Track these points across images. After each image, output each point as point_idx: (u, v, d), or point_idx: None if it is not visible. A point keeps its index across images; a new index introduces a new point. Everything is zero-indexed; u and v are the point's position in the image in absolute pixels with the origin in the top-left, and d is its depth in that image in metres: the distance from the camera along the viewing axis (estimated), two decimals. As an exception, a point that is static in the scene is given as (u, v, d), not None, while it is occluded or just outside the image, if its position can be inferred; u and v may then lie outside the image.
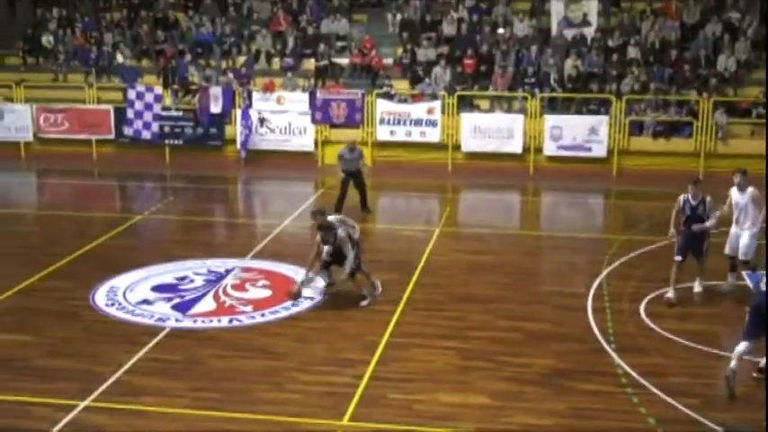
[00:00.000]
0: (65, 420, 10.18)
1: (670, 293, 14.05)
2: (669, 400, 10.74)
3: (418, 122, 25.01)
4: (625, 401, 10.81)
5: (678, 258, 14.16)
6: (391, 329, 12.92)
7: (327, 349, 12.25)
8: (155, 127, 25.79)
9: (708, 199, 14.06)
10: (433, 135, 25.01)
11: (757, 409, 10.26)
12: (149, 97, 25.81)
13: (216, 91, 25.73)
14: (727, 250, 14.62)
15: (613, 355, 12.03)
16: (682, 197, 14.16)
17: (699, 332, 12.73)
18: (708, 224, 14.03)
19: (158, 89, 26.19)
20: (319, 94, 25.48)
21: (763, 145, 23.82)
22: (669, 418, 10.35)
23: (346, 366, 11.63)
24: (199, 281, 15.05)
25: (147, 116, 25.80)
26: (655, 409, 10.54)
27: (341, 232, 13.77)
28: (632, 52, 26.29)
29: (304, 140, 25.60)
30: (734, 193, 14.50)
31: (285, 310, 13.71)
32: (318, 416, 10.30)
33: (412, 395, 10.81)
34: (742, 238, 14.40)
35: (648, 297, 14.16)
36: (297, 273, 15.27)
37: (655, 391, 10.98)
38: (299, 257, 16.22)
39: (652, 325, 13.15)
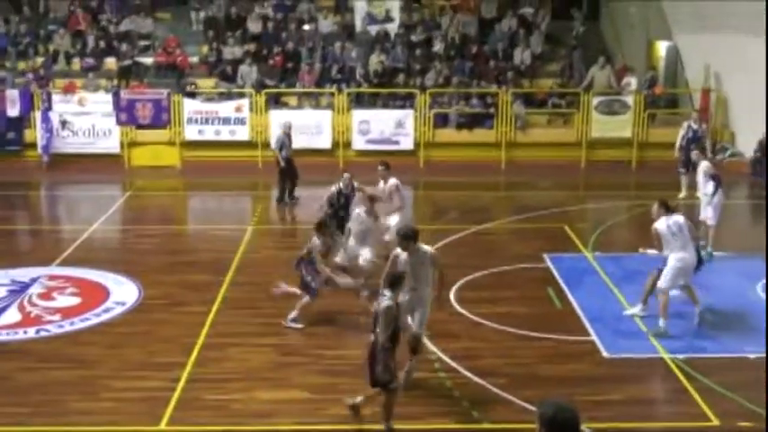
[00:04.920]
0: None
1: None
2: (481, 381, 11.15)
3: (227, 121, 24.81)
4: (439, 386, 11.16)
5: None
6: (207, 330, 12.82)
7: (142, 354, 12.03)
8: (-53, 133, 24.46)
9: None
10: (243, 133, 24.88)
11: (558, 385, 10.82)
12: (-61, 101, 24.47)
13: (12, 93, 24.64)
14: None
15: (426, 341, 12.37)
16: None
17: (505, 315, 13.27)
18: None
19: (-51, 93, 24.85)
20: (123, 95, 24.84)
21: (558, 133, 25.12)
22: (482, 399, 10.75)
23: (162, 370, 11.46)
24: (2, 291, 14.43)
25: (-62, 121, 24.45)
26: (467, 392, 10.93)
27: None
28: (435, 46, 27.03)
29: (109, 142, 24.89)
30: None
31: (96, 316, 13.36)
32: (134, 422, 10.12)
33: (229, 395, 10.78)
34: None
35: (458, 284, 14.61)
36: (106, 278, 14.94)
37: (466, 374, 11.38)
38: (108, 262, 15.89)
39: (462, 310, 13.61)
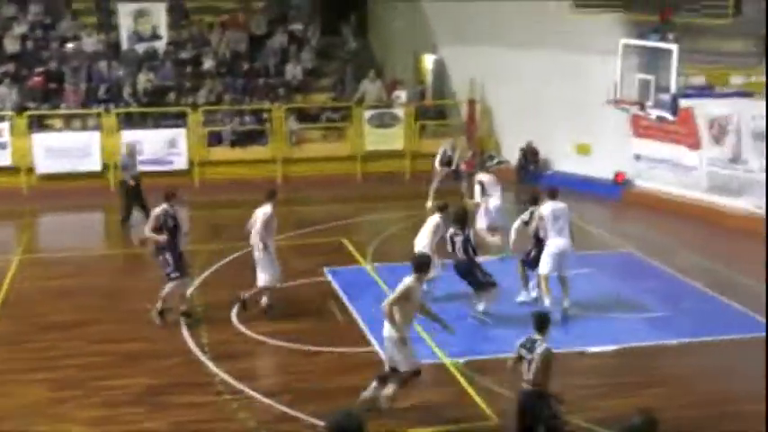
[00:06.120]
0: None
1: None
2: (266, 400, 11.06)
3: (-15, 146, 23.46)
4: (224, 408, 10.97)
5: None
6: (-28, 370, 12.03)
7: None
8: None
9: None
10: (4, 158, 23.57)
11: (344, 396, 10.87)
12: None
13: None
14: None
15: (209, 364, 12.16)
16: None
17: (288, 331, 13.22)
18: None
19: None
20: None
21: (333, 147, 25.41)
22: (268, 418, 10.67)
23: None
24: None
25: None
26: (254, 412, 10.82)
27: None
28: (206, 64, 26.69)
29: None
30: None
31: None
32: None
33: (0, 437, 10.16)
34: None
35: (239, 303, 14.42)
36: None
37: (252, 393, 11.26)
38: None
39: (244, 329, 13.45)
